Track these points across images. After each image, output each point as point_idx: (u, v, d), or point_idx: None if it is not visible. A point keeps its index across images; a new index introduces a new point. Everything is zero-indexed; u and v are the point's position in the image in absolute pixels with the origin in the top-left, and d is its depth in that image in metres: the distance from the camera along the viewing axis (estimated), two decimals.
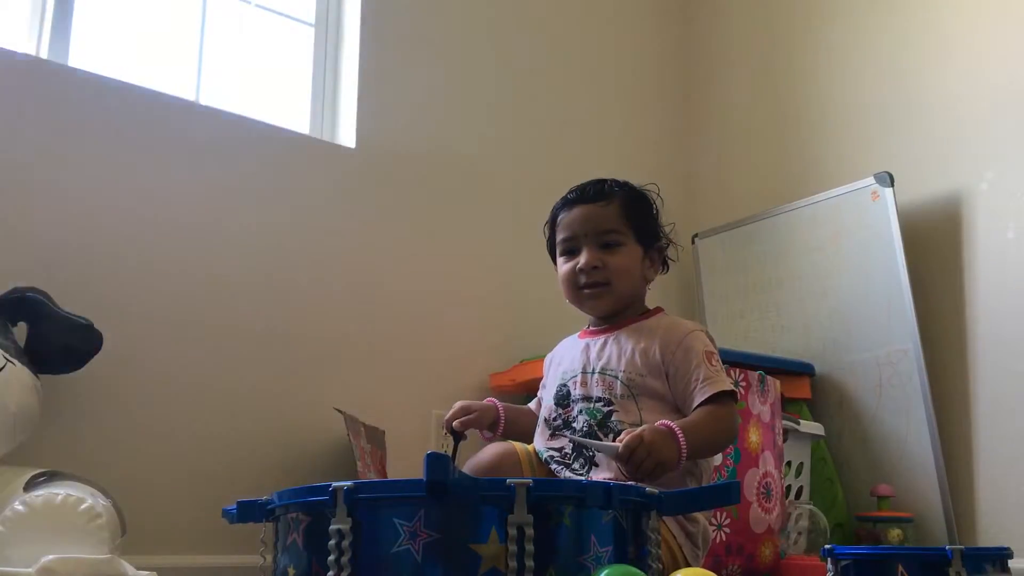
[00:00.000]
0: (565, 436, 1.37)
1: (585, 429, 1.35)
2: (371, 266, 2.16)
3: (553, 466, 1.36)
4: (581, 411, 1.37)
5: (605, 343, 1.41)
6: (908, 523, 2.09)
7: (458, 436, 1.43)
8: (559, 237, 1.45)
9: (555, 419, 1.41)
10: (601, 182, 1.45)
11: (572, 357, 1.45)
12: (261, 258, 1.99)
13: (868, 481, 2.21)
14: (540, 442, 1.42)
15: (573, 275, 1.42)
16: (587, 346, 1.43)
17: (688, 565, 1.26)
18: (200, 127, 1.97)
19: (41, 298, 1.59)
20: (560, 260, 1.46)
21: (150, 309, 1.82)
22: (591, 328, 1.48)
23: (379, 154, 2.22)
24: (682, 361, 1.34)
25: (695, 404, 1.31)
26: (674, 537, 1.27)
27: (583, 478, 1.31)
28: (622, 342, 1.39)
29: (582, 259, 1.40)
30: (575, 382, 1.41)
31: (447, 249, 2.30)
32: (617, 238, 1.40)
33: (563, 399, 1.41)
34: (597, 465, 1.32)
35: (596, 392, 1.37)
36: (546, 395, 1.47)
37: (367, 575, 0.80)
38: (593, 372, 1.39)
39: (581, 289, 1.42)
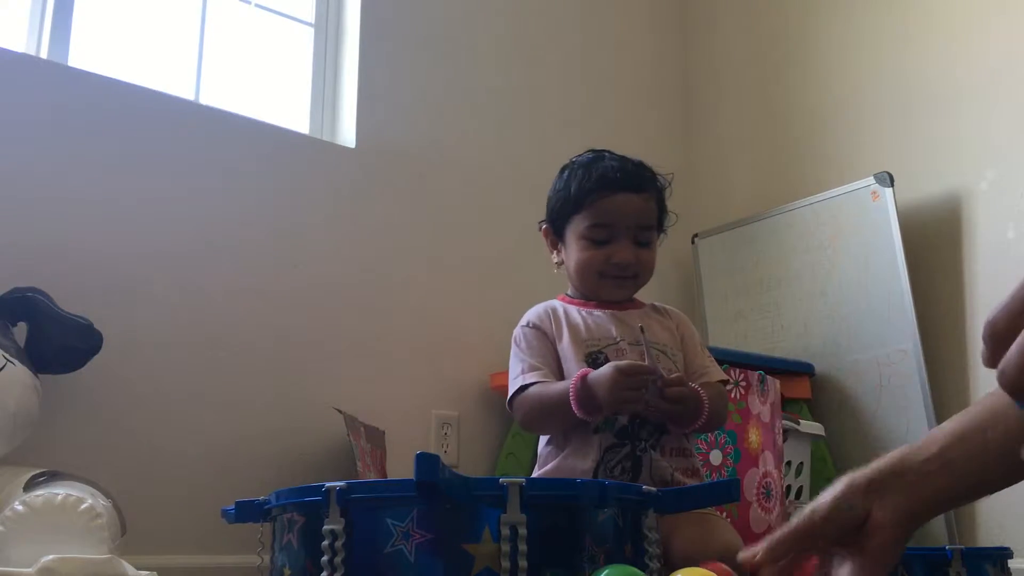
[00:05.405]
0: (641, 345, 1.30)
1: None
2: (371, 265, 2.16)
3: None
4: None
5: (638, 319, 1.35)
6: None
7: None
8: (589, 221, 1.35)
9: None
10: (640, 167, 1.38)
11: (599, 326, 1.36)
12: (261, 257, 1.99)
13: None
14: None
15: (602, 266, 1.35)
16: (614, 317, 1.37)
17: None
18: (200, 127, 1.97)
19: (41, 298, 1.59)
20: (582, 243, 1.36)
21: (150, 309, 1.82)
22: (597, 302, 1.39)
23: (379, 154, 2.22)
24: (692, 341, 1.41)
25: (711, 380, 1.36)
26: None
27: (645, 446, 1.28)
28: (653, 319, 1.39)
29: (617, 254, 1.33)
30: (616, 350, 1.33)
31: (447, 248, 2.30)
32: (650, 236, 1.37)
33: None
34: (668, 433, 1.30)
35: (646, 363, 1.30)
36: (570, 366, 1.34)
37: (360, 575, 0.80)
38: (637, 344, 1.31)
39: (606, 277, 1.36)
